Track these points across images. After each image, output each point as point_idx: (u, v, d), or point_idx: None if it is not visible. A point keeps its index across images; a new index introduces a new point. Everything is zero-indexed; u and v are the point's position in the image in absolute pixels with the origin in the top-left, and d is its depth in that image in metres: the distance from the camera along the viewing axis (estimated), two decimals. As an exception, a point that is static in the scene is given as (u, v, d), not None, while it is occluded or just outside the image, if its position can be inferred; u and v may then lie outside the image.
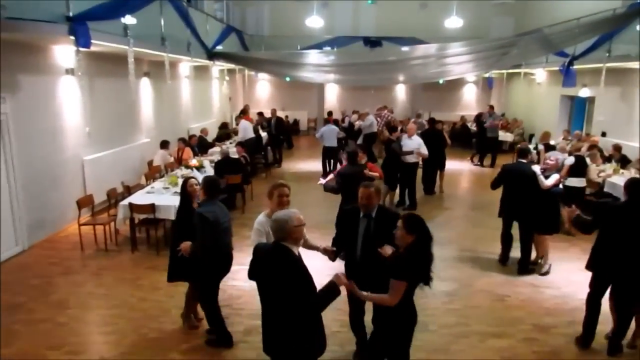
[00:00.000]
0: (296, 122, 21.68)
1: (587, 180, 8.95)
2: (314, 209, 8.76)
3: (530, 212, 6.54)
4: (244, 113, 14.46)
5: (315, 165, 13.97)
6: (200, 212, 4.51)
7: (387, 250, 3.75)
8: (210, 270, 4.67)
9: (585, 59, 11.49)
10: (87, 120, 8.91)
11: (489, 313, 5.57)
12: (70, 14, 6.51)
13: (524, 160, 6.80)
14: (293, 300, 3.14)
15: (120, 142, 10.11)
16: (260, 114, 15.82)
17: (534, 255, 6.88)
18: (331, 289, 3.24)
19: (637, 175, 8.87)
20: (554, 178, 6.55)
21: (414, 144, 9.69)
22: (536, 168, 6.72)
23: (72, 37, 6.56)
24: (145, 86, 11.32)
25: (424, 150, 9.67)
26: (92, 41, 6.81)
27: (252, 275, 3.45)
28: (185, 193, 5.07)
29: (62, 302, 5.68)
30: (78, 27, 6.53)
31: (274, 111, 15.64)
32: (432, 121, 11.80)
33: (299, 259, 3.25)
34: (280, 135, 15.19)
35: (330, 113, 15.52)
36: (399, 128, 11.38)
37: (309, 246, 4.26)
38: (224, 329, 4.83)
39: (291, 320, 3.20)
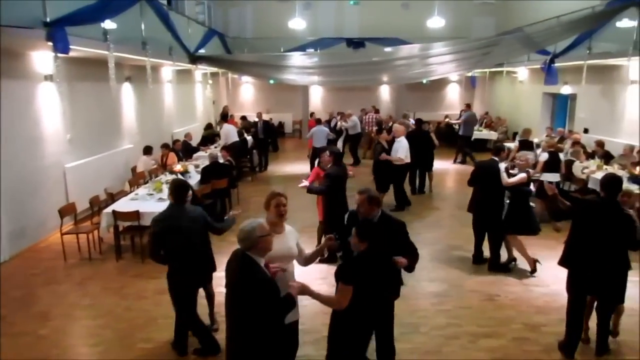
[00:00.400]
0: (281, 124, 21.60)
1: (572, 177, 9.05)
2: (302, 213, 8.70)
3: (494, 210, 6.62)
4: (224, 117, 14.41)
5: (301, 167, 13.91)
6: (154, 217, 4.54)
7: (401, 260, 3.80)
8: (173, 277, 4.57)
9: (566, 57, 11.60)
10: (68, 126, 8.74)
11: (479, 313, 5.56)
12: (48, 19, 6.36)
13: (496, 158, 6.85)
14: (250, 310, 3.08)
15: (102, 148, 9.94)
16: (244, 117, 15.73)
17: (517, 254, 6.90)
18: (289, 300, 3.25)
19: (621, 171, 8.98)
20: (519, 177, 6.61)
21: (398, 147, 9.64)
22: (501, 165, 6.77)
23: (50, 43, 6.40)
24: (127, 91, 11.15)
25: (400, 155, 9.56)
26: (71, 46, 6.66)
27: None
28: None
29: (44, 314, 5.54)
30: (56, 33, 6.37)
31: (259, 114, 15.40)
32: (419, 122, 11.86)
33: (261, 271, 3.17)
34: (268, 138, 14.95)
35: (312, 114, 15.52)
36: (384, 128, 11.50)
37: (312, 258, 4.11)
38: (208, 337, 4.74)
39: (249, 330, 3.15)
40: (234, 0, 19.65)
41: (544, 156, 9.05)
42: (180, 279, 4.54)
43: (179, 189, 4.61)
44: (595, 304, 4.76)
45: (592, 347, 4.82)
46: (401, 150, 9.58)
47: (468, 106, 16.99)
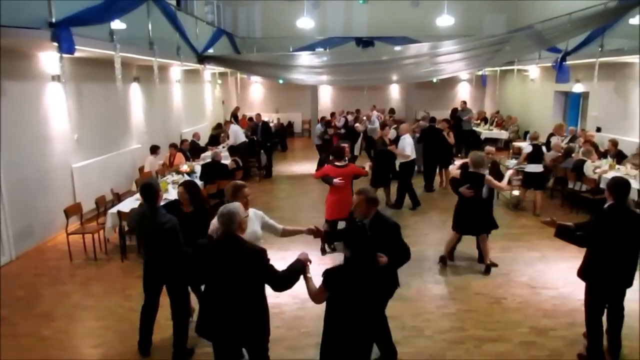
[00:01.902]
0: (290, 124, 21.59)
1: (583, 177, 8.90)
2: (308, 213, 8.65)
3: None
4: (235, 117, 14.36)
5: (308, 167, 13.83)
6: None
7: (383, 259, 3.72)
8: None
9: (578, 55, 11.40)
10: (75, 126, 8.77)
11: (485, 317, 5.45)
12: (53, 20, 6.37)
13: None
14: (255, 283, 3.39)
15: (110, 148, 9.97)
16: (250, 119, 15.67)
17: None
18: (297, 265, 3.56)
19: (634, 171, 8.80)
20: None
21: (402, 144, 9.76)
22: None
23: (55, 44, 6.42)
24: (135, 91, 11.18)
25: (406, 152, 9.67)
26: (77, 47, 6.68)
27: (201, 278, 3.64)
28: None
29: (47, 315, 5.54)
30: (61, 33, 6.38)
31: (258, 116, 14.82)
32: (431, 120, 12.15)
33: (252, 244, 3.52)
34: (267, 142, 13.86)
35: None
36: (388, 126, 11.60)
37: (291, 232, 4.56)
38: (144, 338, 4.77)
39: (250, 304, 3.43)
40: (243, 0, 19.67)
41: (527, 148, 9.45)
42: (144, 274, 4.69)
43: (144, 190, 4.55)
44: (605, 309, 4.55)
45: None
46: (407, 147, 9.66)
47: (464, 103, 17.21)
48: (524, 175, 9.47)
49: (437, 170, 11.63)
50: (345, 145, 7.86)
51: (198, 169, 9.83)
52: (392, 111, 18.40)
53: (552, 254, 7.18)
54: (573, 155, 9.91)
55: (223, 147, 12.60)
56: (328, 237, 6.91)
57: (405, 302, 5.75)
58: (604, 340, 4.52)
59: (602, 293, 4.40)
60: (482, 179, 6.41)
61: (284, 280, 3.50)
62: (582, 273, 4.50)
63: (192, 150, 12.01)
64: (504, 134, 16.55)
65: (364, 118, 15.11)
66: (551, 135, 11.88)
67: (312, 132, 19.37)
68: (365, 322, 3.36)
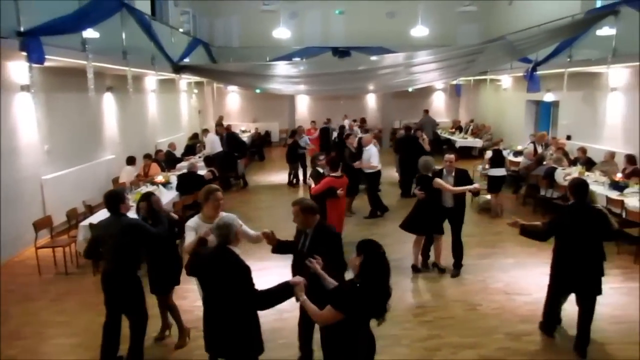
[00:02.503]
0: (268, 133, 21.55)
1: (554, 184, 9.08)
2: (287, 223, 8.57)
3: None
4: (219, 126, 14.23)
5: (287, 177, 13.78)
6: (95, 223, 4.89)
7: (315, 265, 3.60)
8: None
9: (547, 65, 11.69)
10: (46, 137, 8.59)
11: (462, 323, 5.49)
12: (22, 29, 6.24)
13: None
14: (243, 298, 3.38)
15: (82, 159, 9.78)
16: (227, 127, 15.54)
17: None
18: (285, 288, 3.43)
19: (602, 178, 9.04)
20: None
21: (367, 155, 9.92)
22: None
23: (24, 53, 6.29)
24: (108, 101, 11.02)
25: (373, 163, 9.81)
26: (47, 56, 6.55)
27: (193, 273, 3.67)
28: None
29: (13, 333, 5.35)
30: (30, 42, 6.26)
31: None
32: (407, 128, 12.47)
33: (242, 260, 3.51)
34: (235, 152, 13.33)
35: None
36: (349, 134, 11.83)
37: (255, 240, 4.56)
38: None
39: (239, 317, 3.43)
40: (220, 9, 19.65)
41: (488, 154, 10.07)
42: (103, 288, 4.60)
43: (107, 198, 4.59)
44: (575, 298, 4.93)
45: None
46: (373, 158, 9.81)
47: (426, 112, 17.71)
48: (488, 179, 9.99)
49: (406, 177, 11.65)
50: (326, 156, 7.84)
51: (174, 179, 9.71)
52: (363, 121, 18.47)
53: (526, 260, 7.29)
54: (545, 162, 10.12)
55: (199, 157, 12.48)
56: None
57: (383, 311, 5.75)
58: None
59: (565, 281, 4.83)
60: (431, 181, 6.63)
61: (264, 300, 3.46)
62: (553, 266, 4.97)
63: (168, 160, 11.87)
64: (478, 142, 16.81)
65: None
66: (534, 143, 11.99)
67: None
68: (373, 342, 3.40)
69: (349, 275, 3.45)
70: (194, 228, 4.38)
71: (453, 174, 6.77)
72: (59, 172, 8.90)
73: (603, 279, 4.75)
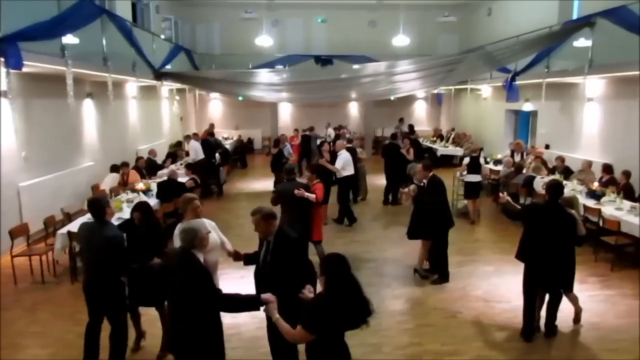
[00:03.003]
0: (250, 140, 21.50)
1: (533, 193, 9.24)
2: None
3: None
4: (210, 134, 14.30)
5: (269, 184, 13.74)
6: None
7: (307, 294, 3.53)
8: None
9: (526, 75, 11.92)
10: (23, 144, 8.44)
11: (442, 331, 5.53)
12: (-1, 35, 6.16)
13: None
14: (200, 302, 3.37)
15: (61, 166, 9.63)
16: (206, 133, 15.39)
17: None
18: (253, 301, 3.48)
19: (580, 186, 9.21)
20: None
21: (339, 159, 10.00)
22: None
23: (2, 59, 6.18)
24: (88, 107, 10.89)
25: (336, 166, 9.86)
26: (26, 62, 6.46)
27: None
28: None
29: (-14, 344, 5.23)
30: (8, 48, 6.15)
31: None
32: (392, 136, 12.89)
33: (202, 264, 3.57)
34: (212, 159, 13.19)
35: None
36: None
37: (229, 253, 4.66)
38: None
39: (196, 320, 3.42)
40: (201, 16, 19.63)
41: (466, 160, 10.39)
42: (85, 292, 4.60)
43: (91, 204, 4.61)
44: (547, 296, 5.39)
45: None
46: (339, 162, 9.89)
47: (401, 120, 18.37)
48: (464, 185, 10.33)
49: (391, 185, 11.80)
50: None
51: (154, 187, 9.62)
52: (339, 128, 18.51)
53: (505, 267, 7.37)
54: (524, 171, 10.28)
55: (180, 164, 12.38)
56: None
57: (364, 319, 5.76)
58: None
59: (535, 275, 5.22)
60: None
61: (228, 304, 3.53)
62: (518, 254, 5.43)
63: (149, 167, 11.75)
64: (459, 151, 16.99)
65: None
66: (512, 151, 12.16)
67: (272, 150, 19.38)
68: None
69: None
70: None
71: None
72: (37, 179, 8.75)
73: (582, 285, 4.87)
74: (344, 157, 10.01)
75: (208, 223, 4.52)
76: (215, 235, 4.49)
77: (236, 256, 4.54)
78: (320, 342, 3.15)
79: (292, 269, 3.89)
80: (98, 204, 4.53)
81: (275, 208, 4.95)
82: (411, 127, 16.85)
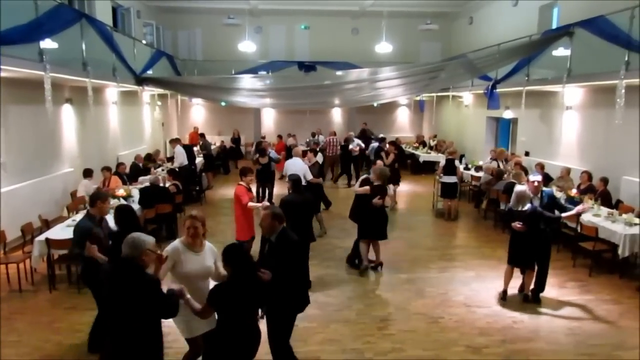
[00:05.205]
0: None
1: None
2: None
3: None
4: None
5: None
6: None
7: (265, 276, 3.90)
8: None
9: (506, 83, 12.10)
10: (0, 150, 8.27)
11: (423, 337, 5.55)
12: (-26, 39, 6.05)
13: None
14: (142, 310, 3.31)
15: (39, 172, 9.46)
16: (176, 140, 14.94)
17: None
18: (172, 295, 3.60)
19: (559, 193, 9.36)
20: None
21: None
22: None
23: (-23, 63, 6.09)
24: (67, 113, 10.73)
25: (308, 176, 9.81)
26: (2, 67, 6.39)
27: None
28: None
29: (-38, 354, 5.10)
30: (-16, 52, 6.07)
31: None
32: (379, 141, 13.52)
33: (146, 274, 3.46)
34: (193, 165, 12.96)
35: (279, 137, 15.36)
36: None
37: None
38: None
39: (147, 334, 3.39)
40: (183, 22, 19.54)
41: (442, 162, 11.06)
42: None
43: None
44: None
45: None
46: (290, 169, 9.65)
47: (365, 124, 18.83)
48: (441, 186, 11.00)
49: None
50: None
51: (135, 193, 9.51)
52: (312, 135, 18.52)
53: (486, 273, 7.45)
54: (504, 177, 10.41)
55: (162, 170, 12.25)
56: None
57: (346, 325, 5.77)
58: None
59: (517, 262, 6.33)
60: (386, 190, 7.36)
61: (171, 309, 3.54)
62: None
63: (134, 172, 11.65)
64: (441, 157, 17.13)
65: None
66: (494, 159, 12.24)
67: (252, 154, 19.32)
68: (252, 335, 3.70)
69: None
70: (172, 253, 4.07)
71: None
72: (14, 186, 8.58)
73: (561, 290, 4.93)
74: (294, 162, 9.85)
75: (209, 248, 4.27)
76: (207, 262, 4.16)
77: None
78: (225, 322, 3.62)
79: (289, 270, 4.09)
80: (94, 196, 5.06)
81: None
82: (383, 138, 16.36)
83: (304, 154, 11.05)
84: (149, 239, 3.51)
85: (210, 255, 4.20)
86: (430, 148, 18.37)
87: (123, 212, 4.93)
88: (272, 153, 12.82)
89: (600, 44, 8.81)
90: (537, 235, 6.15)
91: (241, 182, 6.97)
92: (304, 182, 9.29)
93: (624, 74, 7.94)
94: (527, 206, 6.17)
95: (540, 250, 6.28)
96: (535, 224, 6.10)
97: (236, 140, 19.75)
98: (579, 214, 6.76)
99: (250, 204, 6.80)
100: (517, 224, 6.13)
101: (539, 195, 6.37)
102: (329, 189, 13.32)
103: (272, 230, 4.21)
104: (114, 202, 8.69)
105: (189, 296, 3.71)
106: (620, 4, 8.50)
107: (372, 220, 7.31)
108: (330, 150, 15.72)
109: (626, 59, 8.04)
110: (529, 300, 6.38)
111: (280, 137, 18.31)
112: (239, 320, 3.63)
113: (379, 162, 8.08)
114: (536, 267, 6.37)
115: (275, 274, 3.98)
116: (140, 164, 12.43)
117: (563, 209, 6.46)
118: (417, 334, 5.61)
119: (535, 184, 6.42)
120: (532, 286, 6.42)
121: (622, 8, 8.34)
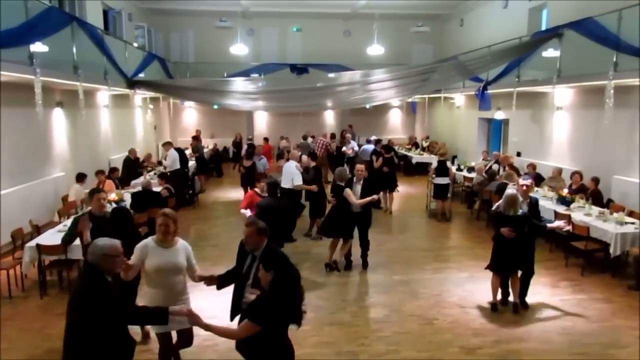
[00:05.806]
0: (226, 149, 21.32)
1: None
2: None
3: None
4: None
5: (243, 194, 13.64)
6: None
7: (250, 297, 3.62)
8: None
9: (498, 84, 12.19)
10: (-11, 154, 8.20)
11: (418, 338, 5.55)
12: (-37, 42, 6.00)
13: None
14: (92, 318, 3.21)
15: (30, 176, 9.38)
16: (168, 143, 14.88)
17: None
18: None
19: (550, 193, 9.41)
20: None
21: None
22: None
23: (-34, 66, 6.03)
24: (58, 116, 10.65)
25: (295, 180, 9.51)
26: (-9, 70, 6.31)
27: None
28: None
29: (-49, 362, 5.03)
30: (-28, 55, 6.02)
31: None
32: (375, 143, 13.50)
33: (105, 282, 3.32)
34: (185, 167, 12.85)
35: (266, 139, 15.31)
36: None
37: (201, 279, 4.29)
38: None
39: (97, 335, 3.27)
40: (175, 24, 19.50)
41: (434, 164, 11.30)
42: None
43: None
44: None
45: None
46: (285, 172, 9.65)
47: (350, 126, 18.87)
48: (433, 187, 11.16)
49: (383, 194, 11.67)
50: None
51: (127, 197, 9.45)
52: (304, 137, 18.49)
53: (480, 274, 7.44)
54: (496, 178, 10.45)
55: (154, 174, 12.19)
56: None
57: (341, 328, 5.76)
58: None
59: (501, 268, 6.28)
60: (342, 190, 7.42)
61: (135, 317, 3.50)
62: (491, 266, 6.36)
63: (128, 168, 11.60)
64: (433, 158, 17.17)
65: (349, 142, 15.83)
66: (497, 162, 12.21)
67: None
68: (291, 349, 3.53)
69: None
70: (138, 250, 4.15)
71: (362, 182, 7.62)
72: (4, 191, 8.48)
73: (553, 290, 4.93)
74: (289, 165, 9.70)
75: (182, 245, 4.29)
76: (178, 258, 4.18)
77: (209, 281, 4.22)
78: (264, 337, 3.32)
79: (277, 284, 3.80)
80: (93, 190, 5.30)
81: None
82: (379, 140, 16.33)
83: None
84: (109, 243, 3.39)
85: (182, 252, 4.24)
86: (423, 149, 18.42)
87: (119, 213, 5.06)
88: (264, 161, 12.42)
89: (589, 45, 8.91)
90: (521, 240, 6.02)
91: (255, 188, 7.03)
92: (289, 186, 9.34)
93: (612, 74, 8.03)
94: (520, 212, 6.03)
95: (524, 255, 6.16)
96: (521, 228, 5.98)
97: (238, 144, 19.64)
98: (560, 228, 6.62)
99: (242, 211, 6.83)
100: (506, 230, 5.93)
101: (529, 200, 6.40)
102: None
103: (258, 246, 4.00)
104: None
105: (207, 323, 3.43)
106: (608, 5, 8.59)
107: (334, 219, 7.61)
108: (318, 151, 15.73)
109: (614, 59, 8.13)
110: (518, 310, 6.21)
111: (266, 139, 18.09)
112: (283, 334, 3.42)
113: (358, 165, 7.97)
114: (519, 273, 6.29)
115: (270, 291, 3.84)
116: (132, 157, 12.40)
117: (539, 219, 6.37)
118: (411, 335, 5.61)
119: (524, 188, 6.46)
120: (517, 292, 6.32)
121: (610, 10, 8.43)
